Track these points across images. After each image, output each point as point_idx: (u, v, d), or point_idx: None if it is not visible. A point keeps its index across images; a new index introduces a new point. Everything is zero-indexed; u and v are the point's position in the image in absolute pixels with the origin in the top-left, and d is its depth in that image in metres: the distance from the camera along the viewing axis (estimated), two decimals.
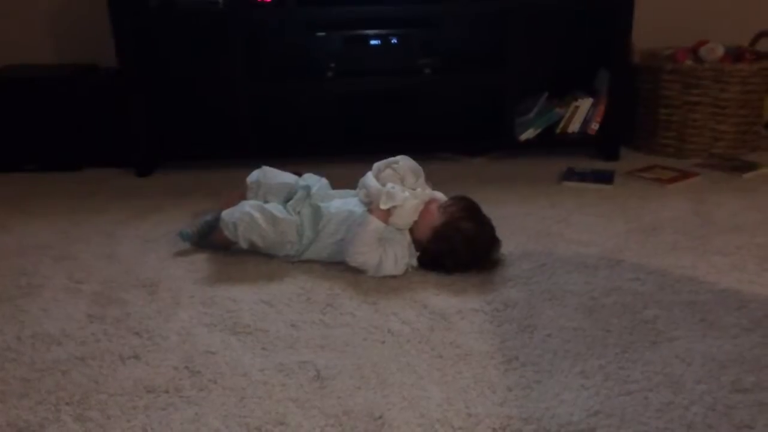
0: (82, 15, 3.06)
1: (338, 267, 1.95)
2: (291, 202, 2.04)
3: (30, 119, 2.90)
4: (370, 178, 1.99)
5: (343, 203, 2.00)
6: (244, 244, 1.97)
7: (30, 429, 1.32)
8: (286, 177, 2.13)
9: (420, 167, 2.03)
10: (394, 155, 2.11)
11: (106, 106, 2.89)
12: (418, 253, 1.92)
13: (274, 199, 2.08)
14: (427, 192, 1.98)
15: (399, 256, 1.88)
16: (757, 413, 1.31)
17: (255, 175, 2.14)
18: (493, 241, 1.92)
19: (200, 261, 2.02)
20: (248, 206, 1.97)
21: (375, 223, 1.88)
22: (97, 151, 2.94)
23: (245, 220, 1.94)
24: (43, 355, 1.57)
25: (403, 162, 2.01)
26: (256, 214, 1.94)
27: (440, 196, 2.01)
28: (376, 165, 2.04)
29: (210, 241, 2.08)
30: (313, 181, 2.11)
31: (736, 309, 1.68)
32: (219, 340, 1.61)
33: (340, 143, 2.97)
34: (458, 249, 1.87)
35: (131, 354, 1.56)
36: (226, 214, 1.97)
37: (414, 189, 1.97)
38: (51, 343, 1.61)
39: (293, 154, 2.82)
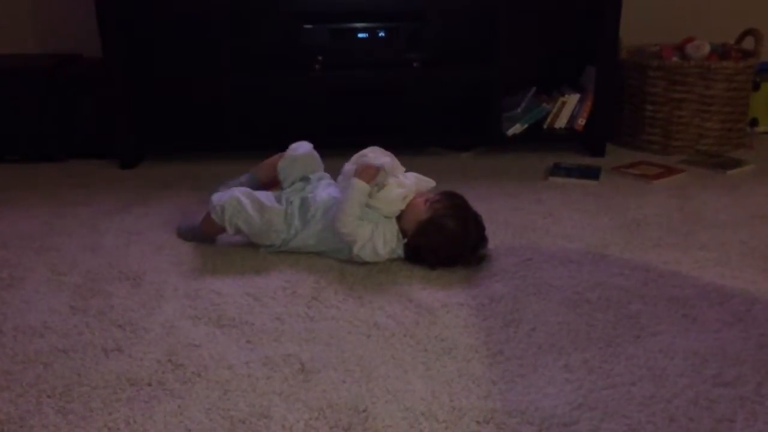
0: (65, 4, 3.03)
1: (324, 261, 1.95)
2: (287, 191, 2.04)
3: (13, 109, 2.86)
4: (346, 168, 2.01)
5: (329, 192, 2.00)
6: (230, 229, 1.96)
7: (11, 421, 1.31)
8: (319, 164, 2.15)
9: (390, 153, 2.02)
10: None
11: (90, 96, 2.86)
12: (404, 240, 1.92)
13: (300, 170, 2.09)
14: (413, 178, 1.99)
15: (388, 237, 1.89)
16: (738, 407, 1.32)
17: (307, 147, 2.14)
18: (478, 240, 1.92)
19: (185, 253, 2.01)
20: (238, 191, 1.97)
21: (360, 184, 1.87)
22: (80, 143, 2.91)
23: (233, 204, 1.94)
24: (25, 347, 1.55)
25: (372, 153, 2.00)
26: (245, 200, 1.94)
27: (427, 184, 2.01)
28: (347, 165, 2.03)
29: (197, 232, 2.06)
30: (324, 176, 2.13)
31: (719, 304, 1.70)
32: (203, 333, 1.60)
33: (327, 136, 2.95)
34: (439, 246, 1.87)
35: (114, 346, 1.55)
36: (216, 197, 1.98)
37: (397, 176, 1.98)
38: (33, 335, 1.60)
39: (279, 147, 2.81)
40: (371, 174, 1.91)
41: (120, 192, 2.54)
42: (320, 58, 2.77)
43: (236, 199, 1.94)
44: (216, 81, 2.79)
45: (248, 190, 2.00)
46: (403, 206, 1.93)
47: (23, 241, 2.12)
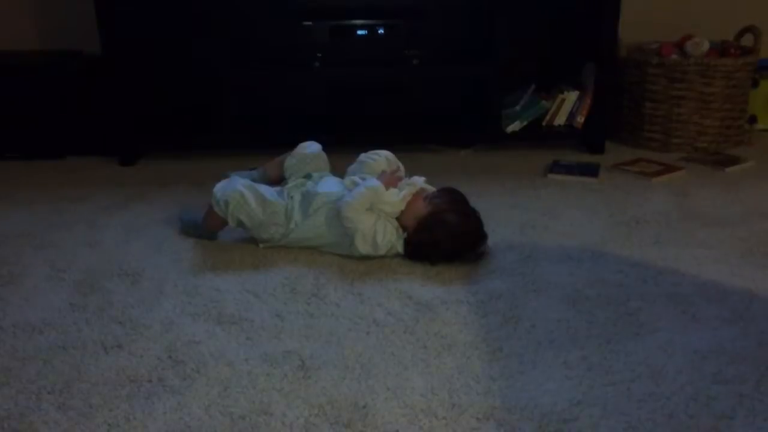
0: (65, 1, 3.02)
1: (324, 257, 1.95)
2: (288, 186, 2.05)
3: (12, 106, 2.86)
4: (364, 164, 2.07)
5: (331, 187, 2.01)
6: (232, 222, 1.97)
7: (11, 418, 1.31)
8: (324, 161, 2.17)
9: (399, 162, 2.10)
10: (379, 146, 2.15)
11: (89, 93, 2.86)
12: (404, 235, 1.93)
13: (306, 169, 2.11)
14: (413, 179, 2.02)
15: (388, 230, 1.90)
16: (737, 404, 1.32)
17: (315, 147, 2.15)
18: (479, 235, 1.93)
19: (184, 250, 2.01)
20: (240, 185, 1.98)
21: (378, 184, 1.92)
22: (80, 140, 2.91)
23: (236, 197, 1.94)
24: (25, 343, 1.55)
25: (386, 153, 2.09)
26: (248, 194, 1.95)
27: (428, 187, 2.02)
28: (363, 155, 2.10)
29: (199, 228, 2.07)
30: (326, 174, 2.14)
31: (718, 301, 1.70)
32: (203, 329, 1.60)
33: (326, 133, 2.95)
34: (441, 241, 1.88)
35: (114, 343, 1.55)
36: (218, 190, 1.98)
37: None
38: (32, 331, 1.60)
39: (278, 144, 2.80)
40: (393, 182, 1.97)
41: (119, 189, 2.54)
42: (319, 55, 2.77)
43: (239, 193, 1.94)
44: (215, 78, 2.79)
45: (251, 183, 2.01)
46: (402, 206, 1.94)
47: (22, 237, 2.11)
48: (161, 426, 1.28)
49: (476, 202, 1.99)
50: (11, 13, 3.08)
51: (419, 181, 2.03)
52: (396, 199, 1.93)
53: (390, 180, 1.98)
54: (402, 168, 2.09)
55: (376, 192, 1.91)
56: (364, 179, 1.98)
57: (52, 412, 1.32)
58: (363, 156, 2.11)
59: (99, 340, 1.56)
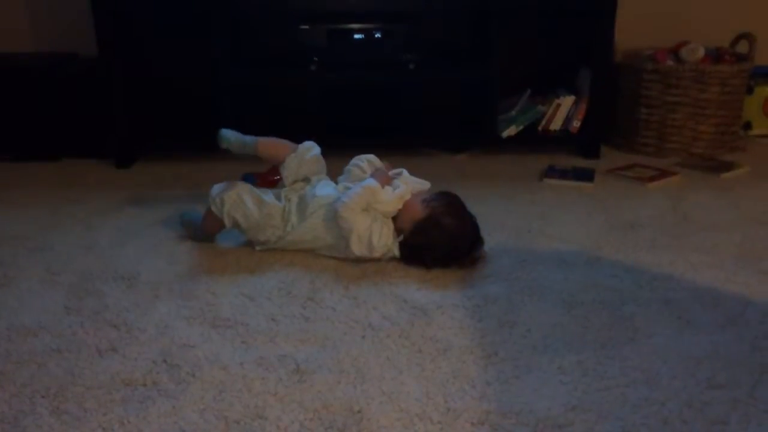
0: (61, 3, 3.02)
1: (320, 261, 1.95)
2: (286, 189, 2.06)
3: (7, 108, 2.85)
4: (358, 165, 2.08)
5: (328, 191, 2.01)
6: (228, 222, 1.97)
7: (5, 422, 1.30)
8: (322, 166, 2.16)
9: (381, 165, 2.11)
10: (375, 150, 2.15)
11: (85, 95, 2.85)
12: (400, 237, 1.93)
13: (304, 171, 2.10)
14: (406, 176, 2.03)
15: (384, 232, 1.90)
16: (731, 409, 1.32)
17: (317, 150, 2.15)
18: (475, 239, 1.93)
19: (180, 253, 2.01)
20: (238, 185, 1.98)
21: (374, 183, 1.93)
22: (76, 142, 2.90)
23: (232, 197, 1.95)
24: (19, 347, 1.54)
25: (367, 157, 2.10)
26: (244, 194, 1.95)
27: (422, 186, 2.03)
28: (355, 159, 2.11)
29: (198, 230, 2.07)
30: (323, 177, 2.14)
31: (712, 307, 1.70)
32: (198, 333, 1.60)
33: (322, 137, 2.94)
34: (437, 244, 1.88)
35: (108, 347, 1.54)
36: (216, 190, 1.99)
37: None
38: (27, 335, 1.59)
39: None
40: (387, 181, 1.99)
41: (115, 191, 2.54)
42: (316, 59, 2.77)
43: (236, 193, 1.95)
44: (212, 81, 2.79)
45: (249, 185, 2.01)
46: (400, 206, 1.95)
47: (17, 240, 2.11)
48: (156, 430, 1.28)
49: (472, 206, 1.99)
50: (6, 14, 3.07)
51: (404, 172, 2.04)
52: (391, 197, 1.94)
53: (384, 178, 1.99)
54: (383, 167, 2.09)
55: (372, 191, 1.91)
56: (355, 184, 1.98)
57: (46, 416, 1.32)
58: (348, 165, 2.11)
59: (94, 343, 1.55)
